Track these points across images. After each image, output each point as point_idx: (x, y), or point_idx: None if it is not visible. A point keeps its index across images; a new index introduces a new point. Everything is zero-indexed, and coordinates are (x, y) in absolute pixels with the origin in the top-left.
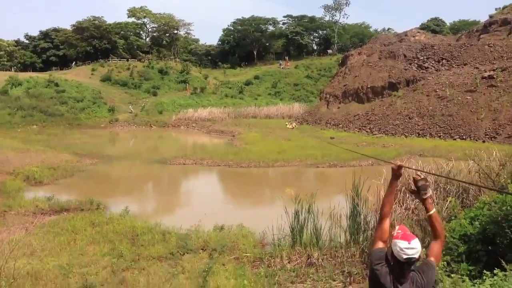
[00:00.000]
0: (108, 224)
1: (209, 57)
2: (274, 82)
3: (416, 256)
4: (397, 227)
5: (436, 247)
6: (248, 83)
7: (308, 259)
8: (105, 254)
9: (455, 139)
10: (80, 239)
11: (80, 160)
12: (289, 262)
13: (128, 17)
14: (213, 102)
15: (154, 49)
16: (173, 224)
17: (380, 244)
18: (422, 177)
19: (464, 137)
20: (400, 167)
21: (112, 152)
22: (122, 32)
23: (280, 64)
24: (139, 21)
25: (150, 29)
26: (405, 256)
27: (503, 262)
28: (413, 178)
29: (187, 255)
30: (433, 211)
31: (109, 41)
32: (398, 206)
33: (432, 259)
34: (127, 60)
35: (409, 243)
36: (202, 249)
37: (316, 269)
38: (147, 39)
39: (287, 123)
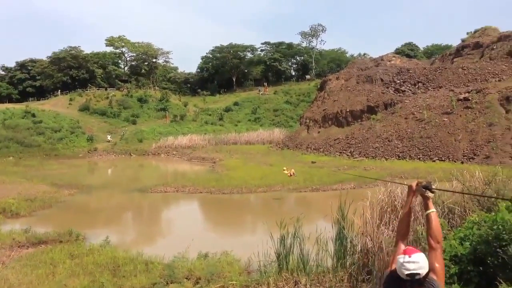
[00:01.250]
0: (88, 256)
1: (188, 85)
2: (254, 108)
3: (420, 271)
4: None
5: (432, 258)
6: (227, 110)
7: (296, 285)
8: (85, 286)
9: (434, 161)
10: (59, 271)
11: (58, 191)
12: None
13: (106, 46)
14: (193, 129)
15: (132, 78)
16: (156, 253)
17: (393, 267)
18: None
19: (443, 159)
20: (417, 184)
21: (91, 181)
22: (100, 61)
23: (259, 90)
24: (117, 51)
25: (128, 58)
26: (406, 272)
27: (501, 281)
28: (417, 182)
29: (171, 285)
30: (433, 210)
31: (87, 70)
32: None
33: (431, 274)
34: (106, 89)
35: (409, 257)
36: (186, 278)
37: None
38: (126, 68)
39: (284, 169)
